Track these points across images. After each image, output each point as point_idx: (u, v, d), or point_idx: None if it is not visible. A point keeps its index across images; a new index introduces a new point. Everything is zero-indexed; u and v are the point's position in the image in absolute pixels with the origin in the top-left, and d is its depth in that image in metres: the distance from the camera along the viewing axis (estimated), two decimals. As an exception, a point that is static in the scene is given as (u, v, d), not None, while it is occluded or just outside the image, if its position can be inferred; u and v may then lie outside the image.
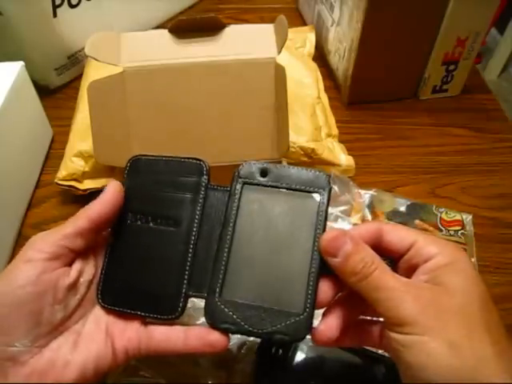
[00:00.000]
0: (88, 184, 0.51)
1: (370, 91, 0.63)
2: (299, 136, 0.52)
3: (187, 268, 0.31)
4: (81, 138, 0.52)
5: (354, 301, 0.29)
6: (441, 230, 0.49)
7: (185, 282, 0.31)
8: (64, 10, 0.59)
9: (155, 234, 0.32)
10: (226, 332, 0.29)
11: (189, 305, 0.31)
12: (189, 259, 0.31)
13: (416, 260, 0.27)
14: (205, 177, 0.33)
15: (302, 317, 0.28)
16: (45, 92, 0.61)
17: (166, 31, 0.48)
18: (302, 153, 0.52)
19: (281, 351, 0.36)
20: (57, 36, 0.61)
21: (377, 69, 0.60)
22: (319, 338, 0.28)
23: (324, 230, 0.29)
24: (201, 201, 0.32)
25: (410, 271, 0.28)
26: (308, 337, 0.29)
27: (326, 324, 0.28)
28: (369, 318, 0.30)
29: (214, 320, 0.29)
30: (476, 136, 0.61)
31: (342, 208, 0.51)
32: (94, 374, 0.28)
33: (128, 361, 0.31)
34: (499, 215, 0.52)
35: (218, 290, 0.30)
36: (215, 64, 0.47)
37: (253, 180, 0.31)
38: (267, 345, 0.37)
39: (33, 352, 0.27)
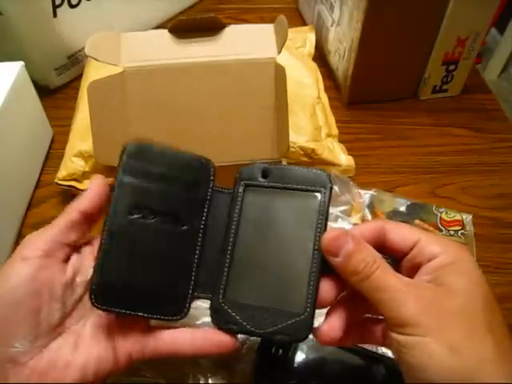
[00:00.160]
0: (88, 184, 0.51)
1: (370, 91, 0.63)
2: (299, 136, 0.52)
3: (194, 269, 0.31)
4: (81, 138, 0.52)
5: (358, 300, 0.29)
6: (441, 230, 0.49)
7: (192, 282, 0.31)
8: (64, 10, 0.59)
9: (158, 232, 0.30)
10: (230, 332, 0.29)
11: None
12: (195, 260, 0.31)
13: (419, 259, 0.27)
14: (211, 177, 0.33)
15: (302, 317, 0.28)
16: (45, 92, 0.61)
17: (165, 31, 0.48)
18: (302, 153, 0.52)
19: (281, 351, 0.36)
20: (57, 36, 0.61)
21: (377, 69, 0.60)
22: (323, 338, 0.28)
23: (325, 229, 0.29)
24: (207, 201, 0.32)
25: (413, 270, 0.28)
26: (310, 336, 0.29)
27: (329, 324, 0.28)
28: (372, 316, 0.30)
29: (218, 320, 0.29)
30: (476, 136, 0.61)
31: (342, 208, 0.51)
32: (94, 377, 0.28)
33: (131, 364, 0.30)
34: (499, 215, 0.52)
35: (221, 290, 0.30)
36: (215, 64, 0.47)
37: (254, 182, 0.31)
38: (267, 345, 0.37)
39: (33, 353, 0.27)
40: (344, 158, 0.54)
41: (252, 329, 0.29)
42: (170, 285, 0.30)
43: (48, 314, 0.28)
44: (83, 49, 0.46)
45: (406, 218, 0.50)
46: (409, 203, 0.52)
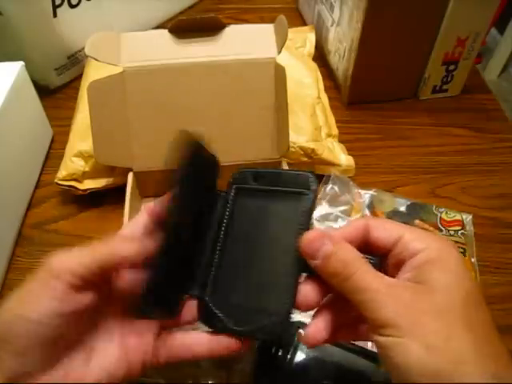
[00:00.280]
0: (88, 184, 0.51)
1: (370, 91, 0.63)
2: (299, 136, 0.52)
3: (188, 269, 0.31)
4: (81, 138, 0.52)
5: (344, 301, 0.28)
6: (441, 230, 0.49)
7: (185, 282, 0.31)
8: (64, 10, 0.59)
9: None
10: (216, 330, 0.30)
11: None
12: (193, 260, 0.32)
13: (403, 255, 0.27)
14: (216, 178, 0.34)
15: (278, 317, 0.28)
16: (45, 92, 0.61)
17: (165, 31, 0.48)
18: (302, 153, 0.52)
19: (281, 351, 0.36)
20: (57, 36, 0.61)
21: (377, 69, 0.60)
22: (308, 340, 0.28)
23: (308, 229, 0.29)
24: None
25: (397, 266, 0.27)
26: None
27: (315, 326, 0.28)
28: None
29: (204, 319, 0.30)
30: (476, 136, 0.61)
31: (342, 208, 0.51)
32: None
33: (146, 371, 0.30)
34: (499, 215, 0.52)
35: (208, 289, 0.31)
36: (215, 64, 0.47)
37: (245, 185, 0.32)
38: (267, 345, 0.37)
39: (45, 368, 0.26)
40: (344, 158, 0.54)
41: (233, 327, 0.29)
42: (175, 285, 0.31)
43: (66, 338, 0.27)
44: (83, 49, 0.46)
45: (406, 218, 0.50)
46: (409, 203, 0.52)
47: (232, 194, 0.32)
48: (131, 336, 0.30)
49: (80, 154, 0.51)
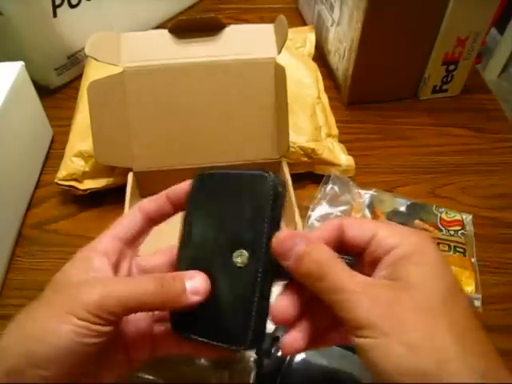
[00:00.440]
0: (88, 184, 0.51)
1: (370, 91, 0.63)
2: (299, 136, 0.52)
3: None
4: (81, 138, 0.52)
5: (323, 306, 0.27)
6: (441, 230, 0.49)
7: None
8: (64, 10, 0.59)
9: None
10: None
11: None
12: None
13: (377, 253, 0.26)
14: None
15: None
16: (45, 92, 0.61)
17: (165, 31, 0.48)
18: (302, 153, 0.52)
19: (281, 351, 0.36)
20: (57, 36, 0.61)
21: (377, 69, 0.60)
22: (286, 350, 0.27)
23: (273, 228, 0.28)
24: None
25: (373, 265, 0.26)
26: None
27: (291, 335, 0.27)
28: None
29: (174, 326, 0.30)
30: (476, 136, 0.61)
31: (342, 208, 0.51)
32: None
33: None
34: (499, 215, 0.52)
35: None
36: (215, 64, 0.47)
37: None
38: (267, 345, 0.37)
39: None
40: (344, 158, 0.54)
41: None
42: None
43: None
44: (83, 49, 0.46)
45: (406, 217, 0.50)
46: (409, 203, 0.52)
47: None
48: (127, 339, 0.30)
49: (80, 154, 0.51)
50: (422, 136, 0.61)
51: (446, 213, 0.51)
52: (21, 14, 0.56)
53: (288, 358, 0.36)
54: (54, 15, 0.59)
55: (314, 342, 0.28)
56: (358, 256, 0.28)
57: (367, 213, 0.50)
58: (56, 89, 0.65)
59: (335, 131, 0.57)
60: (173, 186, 0.31)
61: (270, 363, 0.36)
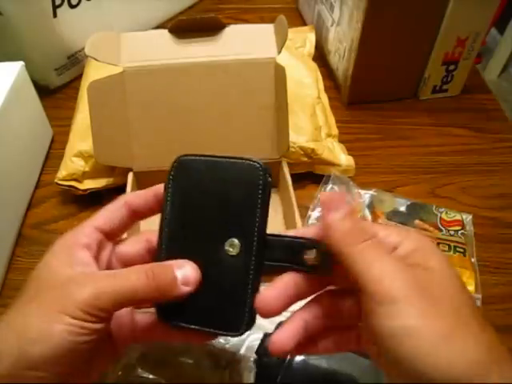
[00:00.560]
0: (88, 184, 0.51)
1: (370, 91, 0.63)
2: (299, 136, 0.52)
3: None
4: (81, 138, 0.52)
5: (316, 309, 0.28)
6: (441, 230, 0.49)
7: None
8: (64, 10, 0.59)
9: None
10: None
11: None
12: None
13: None
14: None
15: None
16: (45, 92, 0.61)
17: (165, 31, 0.48)
18: (302, 153, 0.52)
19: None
20: (57, 36, 0.61)
21: (377, 69, 0.60)
22: (272, 348, 0.27)
23: (264, 216, 0.28)
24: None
25: None
26: None
27: (279, 335, 0.27)
28: (343, 324, 0.29)
29: (160, 315, 0.29)
30: (476, 136, 0.61)
31: (342, 208, 0.51)
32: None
33: None
34: (499, 215, 0.52)
35: None
36: (215, 64, 0.47)
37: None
38: (267, 344, 0.37)
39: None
40: (344, 158, 0.54)
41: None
42: None
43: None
44: (83, 49, 0.46)
45: (406, 217, 0.50)
46: (409, 203, 0.52)
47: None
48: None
49: (80, 154, 0.51)
50: (422, 136, 0.61)
51: (446, 213, 0.51)
52: (21, 14, 0.56)
53: (288, 358, 0.36)
54: (54, 15, 0.59)
55: (303, 346, 0.28)
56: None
57: (367, 213, 0.50)
58: (56, 89, 0.65)
59: (335, 131, 0.57)
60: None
61: (269, 363, 0.36)
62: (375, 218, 0.50)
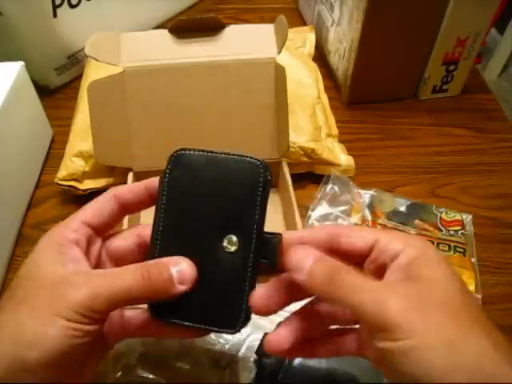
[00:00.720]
0: (88, 184, 0.51)
1: (370, 91, 0.63)
2: (299, 136, 0.52)
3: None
4: (81, 138, 0.52)
5: (313, 311, 0.28)
6: (441, 230, 0.49)
7: None
8: (64, 10, 0.59)
9: None
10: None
11: None
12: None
13: (382, 259, 0.26)
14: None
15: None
16: (45, 92, 0.61)
17: (165, 31, 0.48)
18: (302, 153, 0.52)
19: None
20: (57, 36, 0.61)
21: (377, 69, 0.60)
22: (267, 347, 0.27)
23: (262, 214, 0.28)
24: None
25: (378, 272, 0.26)
26: None
27: (274, 334, 0.27)
28: (340, 326, 0.29)
29: (154, 312, 0.29)
30: (476, 136, 0.61)
31: (342, 208, 0.51)
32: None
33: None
34: (499, 215, 0.52)
35: None
36: (215, 64, 0.47)
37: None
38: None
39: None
40: (344, 158, 0.54)
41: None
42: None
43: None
44: (83, 49, 0.46)
45: (406, 217, 0.50)
46: (409, 203, 0.52)
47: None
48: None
49: (80, 154, 0.51)
50: (422, 136, 0.61)
51: (446, 213, 0.51)
52: (21, 14, 0.56)
53: (288, 358, 0.36)
54: (54, 15, 0.59)
55: (300, 348, 0.28)
56: (355, 265, 0.27)
57: (367, 213, 0.50)
58: (56, 89, 0.65)
59: (335, 131, 0.57)
60: None
61: (270, 363, 0.36)
62: (375, 218, 0.50)
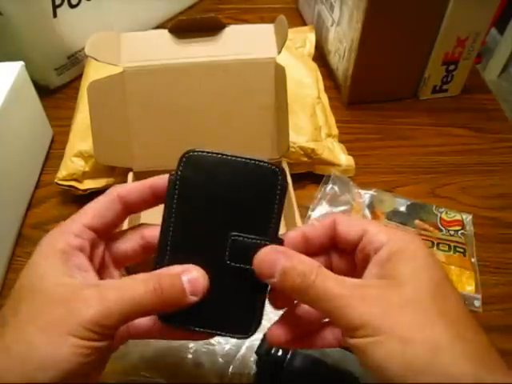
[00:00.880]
0: (88, 184, 0.51)
1: (370, 91, 0.63)
2: (299, 136, 0.52)
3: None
4: (81, 138, 0.52)
5: (304, 308, 0.28)
6: (441, 230, 0.49)
7: None
8: (64, 10, 0.59)
9: None
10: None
11: None
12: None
13: (368, 249, 0.26)
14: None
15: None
16: (45, 92, 0.61)
17: (165, 31, 0.48)
18: (302, 153, 0.52)
19: (281, 351, 0.36)
20: (57, 36, 0.61)
21: (377, 69, 0.60)
22: (269, 340, 0.28)
23: (278, 221, 0.27)
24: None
25: (364, 262, 0.27)
26: None
27: (275, 327, 0.28)
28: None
29: (164, 316, 0.28)
30: (476, 136, 0.61)
31: (342, 208, 0.51)
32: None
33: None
34: (499, 215, 0.52)
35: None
36: (215, 64, 0.47)
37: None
38: (267, 345, 0.37)
39: None
40: (344, 158, 0.54)
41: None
42: None
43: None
44: (83, 49, 0.46)
45: (406, 217, 0.50)
46: (409, 203, 0.52)
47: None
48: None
49: (80, 154, 0.51)
50: (422, 136, 0.61)
51: (446, 213, 0.51)
52: (21, 14, 0.56)
53: (288, 357, 0.36)
54: (54, 15, 0.59)
55: (300, 340, 0.28)
56: (351, 253, 0.28)
57: (367, 213, 0.50)
58: (56, 89, 0.65)
59: (335, 131, 0.57)
60: None
61: (270, 363, 0.36)
62: (375, 218, 0.50)
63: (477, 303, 0.44)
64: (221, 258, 0.27)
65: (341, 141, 0.56)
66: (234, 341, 0.40)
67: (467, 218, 0.50)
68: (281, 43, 0.47)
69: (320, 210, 0.51)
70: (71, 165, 0.51)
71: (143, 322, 0.29)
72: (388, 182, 0.55)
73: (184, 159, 0.27)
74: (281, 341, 0.28)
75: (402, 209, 0.51)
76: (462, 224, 0.50)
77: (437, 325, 0.23)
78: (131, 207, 0.28)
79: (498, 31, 1.86)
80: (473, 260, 0.47)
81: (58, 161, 0.52)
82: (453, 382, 0.21)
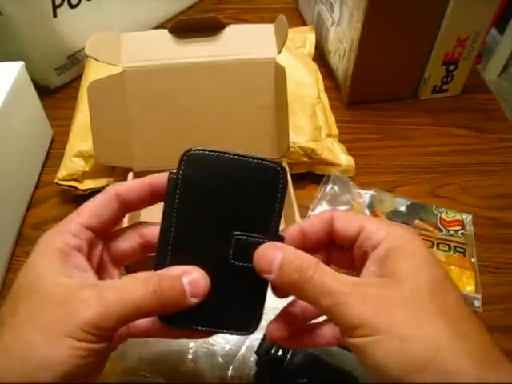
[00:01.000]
0: (88, 184, 0.51)
1: (370, 91, 0.63)
2: (299, 136, 0.52)
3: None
4: (81, 138, 0.52)
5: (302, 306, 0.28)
6: (441, 230, 0.49)
7: None
8: (64, 10, 0.59)
9: None
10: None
11: None
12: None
13: (365, 246, 0.26)
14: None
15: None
16: (45, 92, 0.61)
17: (165, 31, 0.48)
18: (302, 153, 0.52)
19: (281, 351, 0.36)
20: (57, 36, 0.61)
21: (377, 69, 0.60)
22: (268, 334, 0.28)
23: (279, 220, 0.27)
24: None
25: (362, 258, 0.27)
26: None
27: (274, 324, 0.28)
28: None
29: (164, 317, 0.28)
30: (476, 136, 0.61)
31: (342, 208, 0.51)
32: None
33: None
34: (499, 215, 0.52)
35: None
36: (215, 64, 0.47)
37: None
38: (267, 345, 0.37)
39: None
40: (344, 158, 0.54)
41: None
42: None
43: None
44: (83, 49, 0.46)
45: (406, 217, 0.50)
46: (409, 203, 0.52)
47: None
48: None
49: (80, 154, 0.51)
50: (422, 136, 0.61)
51: (446, 213, 0.51)
52: (21, 14, 0.56)
53: (288, 357, 0.36)
54: (54, 15, 0.59)
55: (299, 337, 0.28)
56: (349, 248, 0.28)
57: (367, 213, 0.50)
58: (56, 89, 0.65)
59: (335, 131, 0.57)
60: None
61: (270, 363, 0.36)
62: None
63: (477, 303, 0.44)
64: (223, 256, 0.27)
65: (341, 141, 0.56)
66: (233, 341, 0.40)
67: (467, 218, 0.50)
68: (281, 43, 0.47)
69: (320, 210, 0.51)
70: (71, 165, 0.51)
71: (143, 321, 0.29)
72: (388, 182, 0.55)
73: (185, 157, 0.27)
74: (280, 336, 0.27)
75: (402, 209, 0.51)
76: (462, 224, 0.50)
77: (437, 323, 0.22)
78: (130, 205, 0.28)
79: (498, 31, 1.86)
80: (473, 260, 0.47)
81: (58, 161, 0.52)
82: (453, 380, 0.21)
